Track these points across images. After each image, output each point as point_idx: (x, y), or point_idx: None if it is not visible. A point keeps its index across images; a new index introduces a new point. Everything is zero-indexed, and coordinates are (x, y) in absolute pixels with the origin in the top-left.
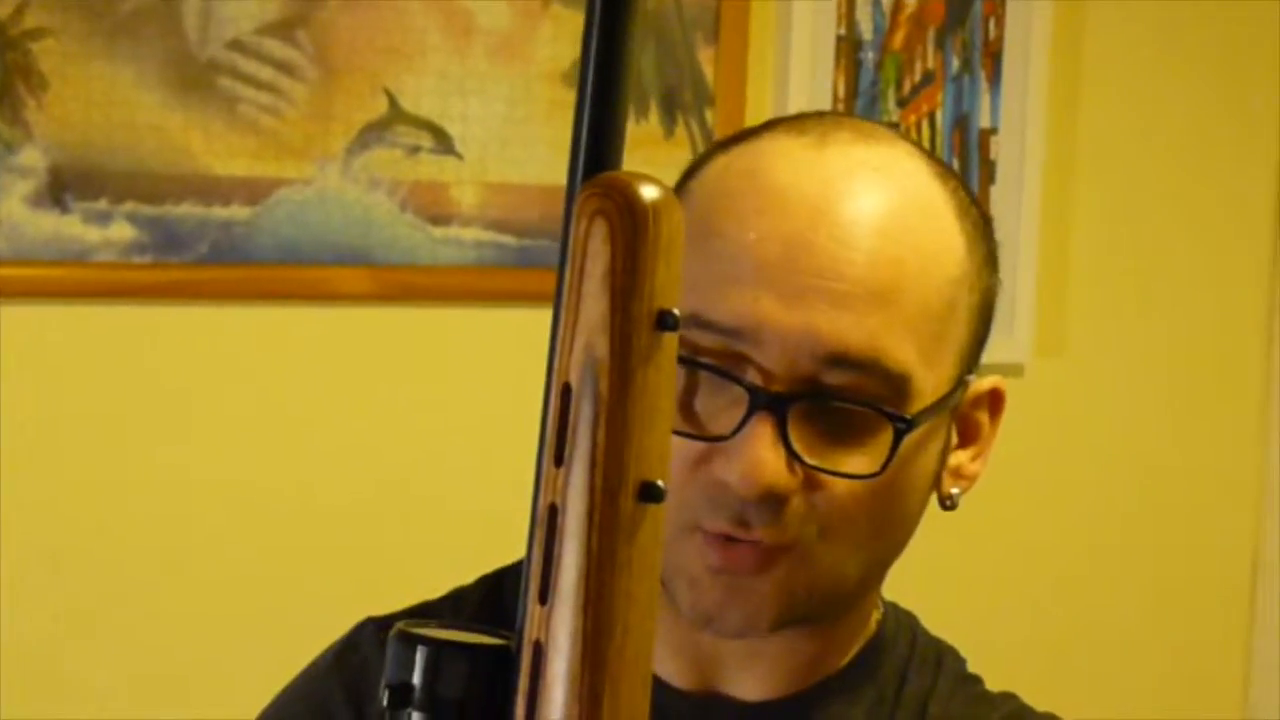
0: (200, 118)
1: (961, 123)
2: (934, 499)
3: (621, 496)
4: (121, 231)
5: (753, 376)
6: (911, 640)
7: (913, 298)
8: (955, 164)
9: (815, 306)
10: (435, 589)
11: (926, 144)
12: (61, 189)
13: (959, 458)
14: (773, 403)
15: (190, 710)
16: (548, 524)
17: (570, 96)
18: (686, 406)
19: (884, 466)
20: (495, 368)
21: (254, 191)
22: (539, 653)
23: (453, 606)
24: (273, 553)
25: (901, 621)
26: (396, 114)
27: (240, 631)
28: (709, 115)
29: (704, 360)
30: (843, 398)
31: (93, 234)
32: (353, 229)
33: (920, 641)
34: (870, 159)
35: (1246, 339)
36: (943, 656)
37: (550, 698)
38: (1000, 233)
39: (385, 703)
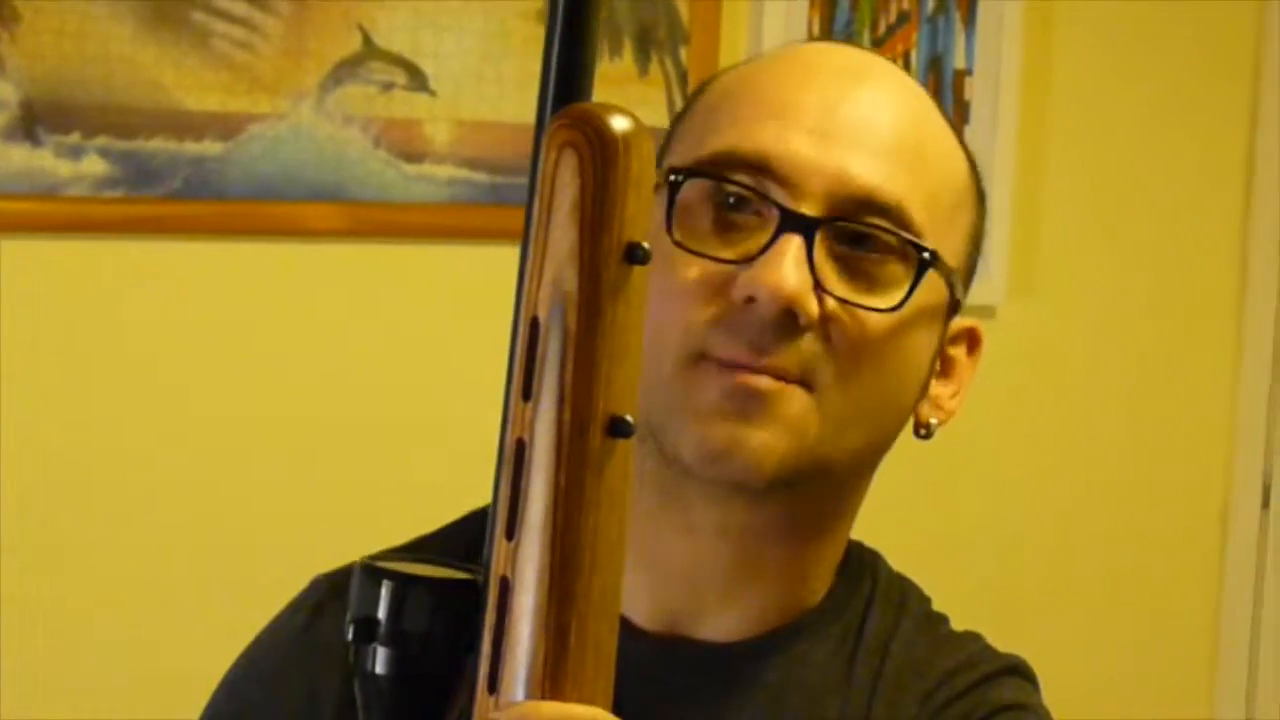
0: (173, 52)
1: (936, 64)
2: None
3: (590, 431)
4: (93, 166)
5: (783, 200)
6: (874, 578)
7: (934, 177)
8: None
9: (849, 152)
10: (404, 524)
11: None
12: (33, 122)
13: (938, 389)
14: (802, 224)
15: (167, 634)
16: (515, 459)
17: (543, 33)
18: (709, 236)
19: (903, 301)
20: (468, 305)
21: (227, 127)
22: (506, 588)
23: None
24: (244, 488)
25: (865, 560)
26: (370, 50)
27: (214, 564)
28: (683, 54)
29: (737, 179)
30: (870, 229)
31: (64, 168)
32: (325, 165)
33: (883, 579)
34: (888, 64)
35: (1219, 281)
36: (906, 595)
37: (517, 632)
38: None
39: (350, 636)
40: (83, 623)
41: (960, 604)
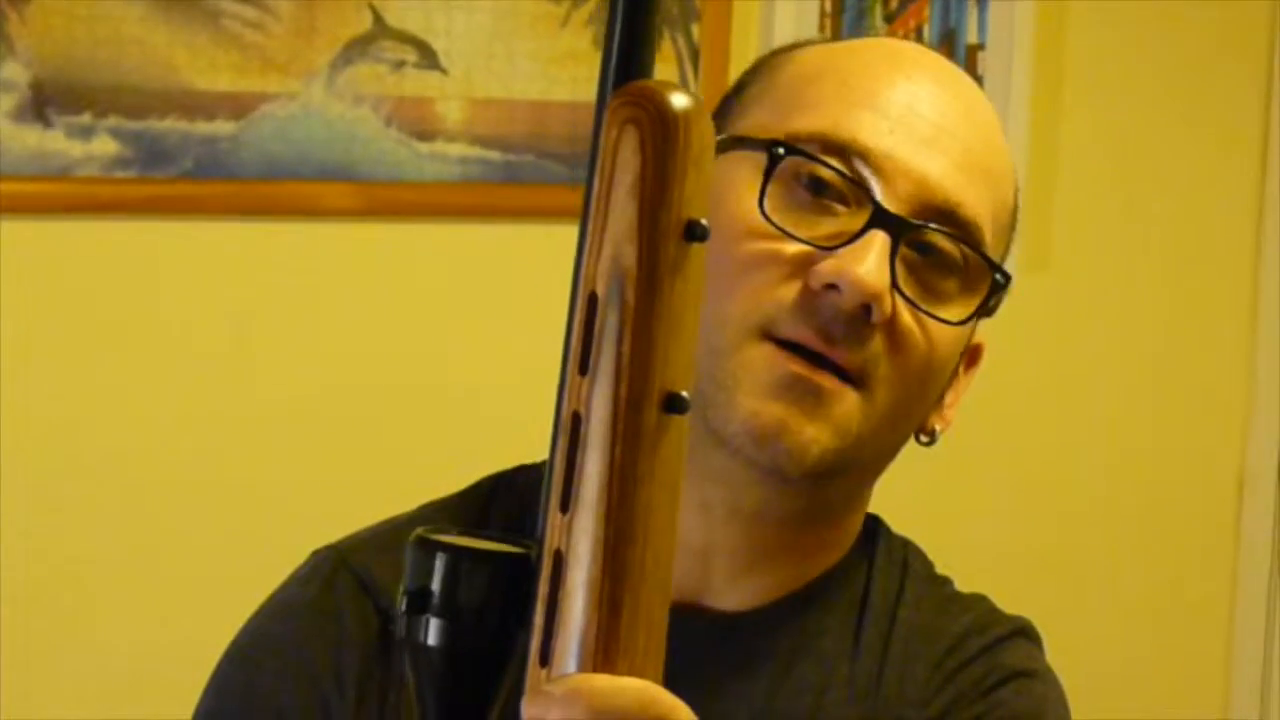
0: (184, 32)
1: (949, 38)
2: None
3: (646, 407)
4: (105, 146)
5: (877, 195)
6: (876, 542)
7: (999, 198)
8: None
9: (939, 159)
10: (411, 501)
11: None
12: (44, 103)
13: (948, 397)
14: (893, 222)
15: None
16: (570, 432)
17: (555, 10)
18: (794, 213)
19: (970, 317)
20: (481, 283)
21: (238, 106)
22: (559, 561)
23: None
24: (255, 469)
25: (868, 525)
26: (381, 29)
27: (229, 543)
28: (695, 30)
29: (833, 165)
30: (957, 243)
31: (76, 149)
32: (337, 145)
33: (884, 542)
34: (960, 70)
35: (1234, 254)
36: (909, 558)
37: (570, 606)
38: None
39: (403, 608)
40: (83, 621)
41: (975, 572)
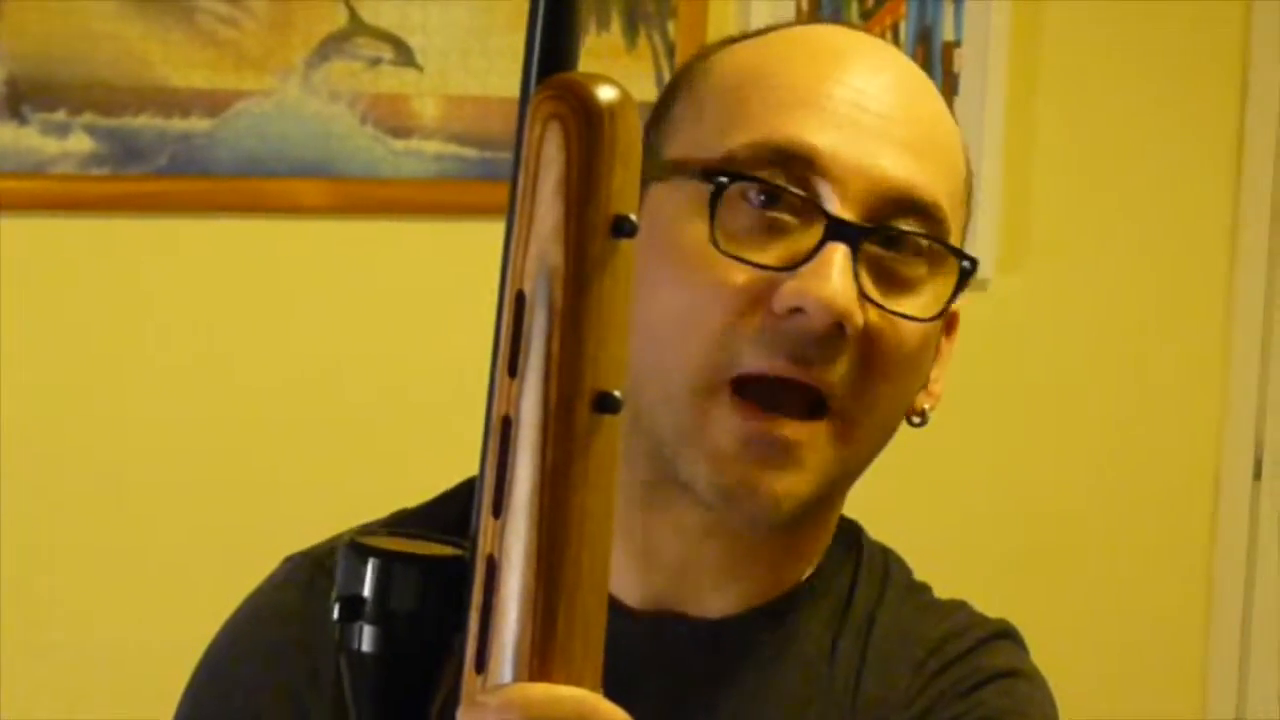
0: (158, 29)
1: (925, 36)
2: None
3: (577, 408)
4: (80, 143)
5: (829, 204)
6: (858, 549)
7: (951, 169)
8: None
9: (888, 149)
10: (393, 501)
11: None
12: (19, 100)
13: (933, 372)
14: (850, 232)
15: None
16: (501, 435)
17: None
18: (745, 237)
19: (943, 309)
20: (456, 281)
21: (213, 103)
22: (492, 567)
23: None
24: (230, 465)
25: (848, 530)
26: (356, 25)
27: (206, 539)
28: (671, 27)
29: (778, 180)
30: (918, 237)
31: (51, 145)
32: (313, 141)
33: (866, 550)
34: (885, 43)
35: (1210, 253)
36: (889, 565)
37: (504, 613)
38: None
39: (336, 615)
40: (83, 619)
41: (952, 572)
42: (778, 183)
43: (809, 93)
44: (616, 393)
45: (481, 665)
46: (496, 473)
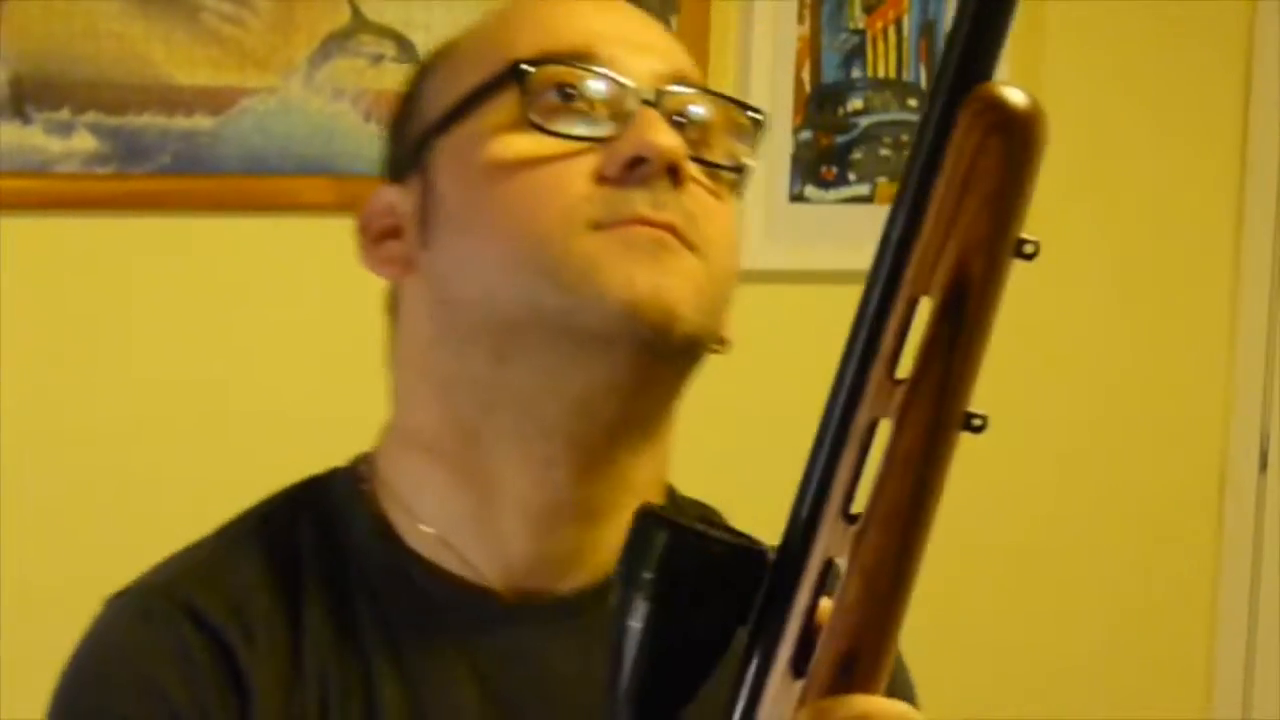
0: (162, 27)
1: (927, 29)
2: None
3: (955, 426)
4: (84, 142)
5: (625, 81)
6: (676, 507)
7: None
8: (921, 71)
9: (643, 42)
10: None
11: (893, 50)
12: (23, 99)
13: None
14: (654, 97)
15: None
16: (866, 438)
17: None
18: (561, 120)
19: (744, 164)
20: None
21: (217, 102)
22: (830, 572)
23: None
24: (236, 463)
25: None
26: (359, 23)
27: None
28: (674, 22)
29: (592, 66)
30: (713, 95)
31: (55, 145)
32: (316, 139)
33: (683, 507)
34: None
35: (1214, 247)
36: (709, 520)
37: (845, 619)
38: None
39: (621, 581)
40: (83, 619)
41: (955, 568)
42: (589, 67)
43: (571, 17)
44: (981, 413)
45: (800, 670)
46: (852, 475)
